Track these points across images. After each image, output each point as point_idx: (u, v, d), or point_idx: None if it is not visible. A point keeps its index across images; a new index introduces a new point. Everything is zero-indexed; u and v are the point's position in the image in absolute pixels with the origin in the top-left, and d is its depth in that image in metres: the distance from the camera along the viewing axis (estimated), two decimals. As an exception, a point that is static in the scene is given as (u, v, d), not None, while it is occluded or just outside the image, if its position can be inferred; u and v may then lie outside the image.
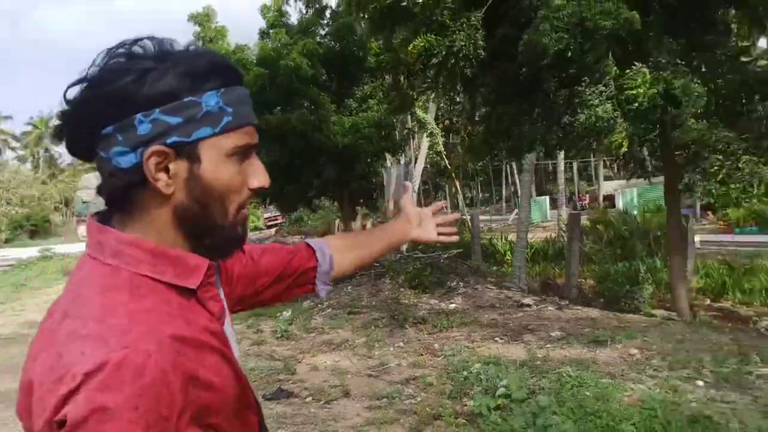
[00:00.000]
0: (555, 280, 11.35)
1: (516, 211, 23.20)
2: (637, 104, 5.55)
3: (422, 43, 6.24)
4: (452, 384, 4.61)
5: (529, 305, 7.49)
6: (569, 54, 5.49)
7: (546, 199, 35.49)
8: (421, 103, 18.02)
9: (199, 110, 0.73)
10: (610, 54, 5.75)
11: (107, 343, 0.64)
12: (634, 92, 5.40)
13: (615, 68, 5.84)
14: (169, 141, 0.72)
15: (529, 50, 5.71)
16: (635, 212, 19.42)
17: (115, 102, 0.71)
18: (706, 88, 5.55)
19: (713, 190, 5.21)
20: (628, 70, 5.67)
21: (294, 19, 13.47)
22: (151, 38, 0.76)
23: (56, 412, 0.62)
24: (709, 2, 6.33)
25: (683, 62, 6.11)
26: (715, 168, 5.24)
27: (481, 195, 57.40)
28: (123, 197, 0.76)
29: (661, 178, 7.50)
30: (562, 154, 21.00)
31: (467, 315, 6.99)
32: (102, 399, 0.61)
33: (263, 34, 13.09)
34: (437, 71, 6.86)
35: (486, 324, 6.58)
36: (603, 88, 5.69)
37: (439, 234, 1.30)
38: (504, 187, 50.98)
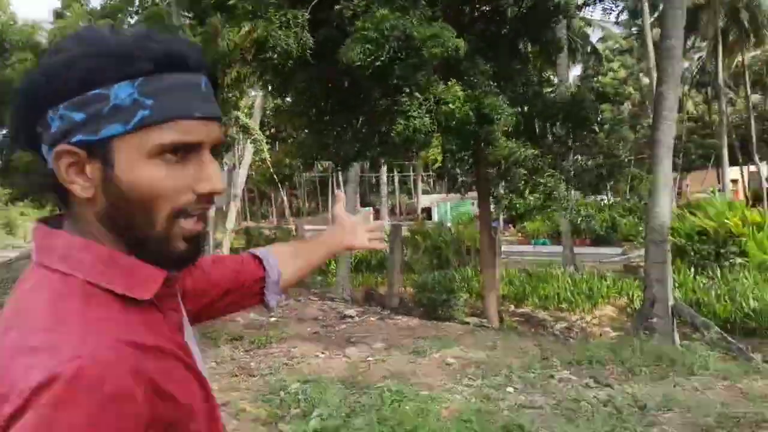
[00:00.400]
0: (377, 290, 11.50)
1: (341, 221, 23.53)
2: (454, 121, 5.75)
3: (263, 33, 5.79)
4: (267, 408, 4.21)
5: (352, 316, 7.38)
6: (377, 66, 5.50)
7: (370, 211, 36.59)
8: (247, 109, 17.31)
9: (105, 104, 0.63)
10: (432, 68, 5.88)
11: (59, 354, 0.56)
12: (451, 107, 5.56)
13: (439, 83, 5.99)
14: (74, 140, 0.64)
15: (347, 59, 5.63)
16: (449, 224, 20.80)
17: (33, 98, 0.65)
18: (514, 110, 5.93)
19: (518, 204, 5.58)
20: (444, 86, 5.85)
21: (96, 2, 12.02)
22: (94, 27, 0.68)
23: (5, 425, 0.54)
24: (510, 35, 6.86)
25: (495, 84, 6.48)
26: (522, 182, 5.61)
27: (307, 205, 57.47)
28: (61, 199, 0.69)
29: (473, 194, 7.95)
30: (385, 168, 21.74)
31: (288, 329, 6.63)
32: (54, 417, 0.53)
33: (58, 15, 11.46)
34: (264, 68, 6.46)
35: (307, 338, 6.28)
36: (423, 101, 5.79)
37: (370, 240, 1.28)
38: (330, 197, 51.50)
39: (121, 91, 0.63)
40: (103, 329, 0.60)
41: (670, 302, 6.65)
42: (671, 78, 7.70)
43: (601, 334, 8.55)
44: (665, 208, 7.62)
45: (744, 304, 8.34)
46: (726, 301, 8.58)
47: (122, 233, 0.67)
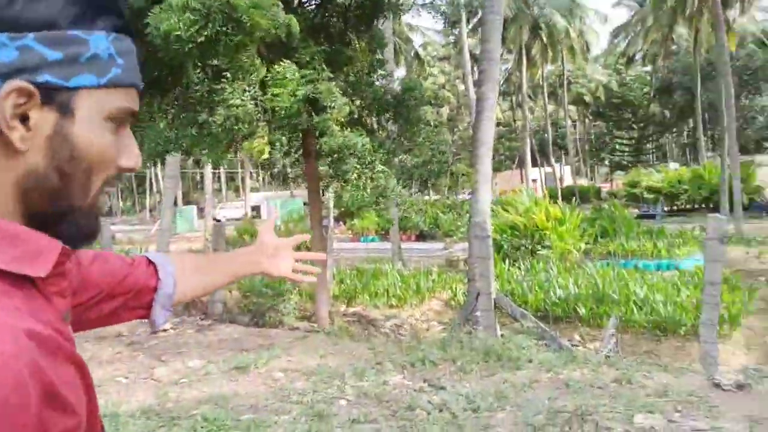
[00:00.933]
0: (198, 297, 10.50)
1: (160, 221, 21.50)
2: (284, 110, 5.26)
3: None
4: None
5: (165, 329, 6.50)
6: (199, 43, 4.80)
7: (193, 209, 34.37)
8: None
9: (85, 50, 0.56)
10: (257, 48, 5.32)
11: None
12: (278, 92, 5.06)
13: (264, 68, 5.43)
14: (39, 79, 0.54)
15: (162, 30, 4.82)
16: (279, 222, 20.14)
17: None
18: (347, 100, 5.61)
19: (354, 197, 5.27)
20: (276, 66, 5.32)
21: None
22: None
23: None
24: (339, 24, 6.56)
25: (329, 70, 6.12)
26: (355, 174, 5.32)
27: (122, 203, 52.47)
28: None
29: (302, 191, 7.52)
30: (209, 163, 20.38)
31: (82, 349, 5.58)
32: None
33: None
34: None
35: (107, 360, 5.33)
36: (247, 87, 5.21)
37: (295, 271, 1.13)
38: (149, 195, 47.52)
39: (100, 42, 0.58)
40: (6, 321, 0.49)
41: (493, 295, 6.89)
42: (490, 79, 8.04)
43: (428, 329, 8.69)
44: (486, 204, 7.93)
45: (552, 293, 9.07)
46: (537, 291, 9.26)
47: (46, 200, 0.57)
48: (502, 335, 6.32)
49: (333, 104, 5.32)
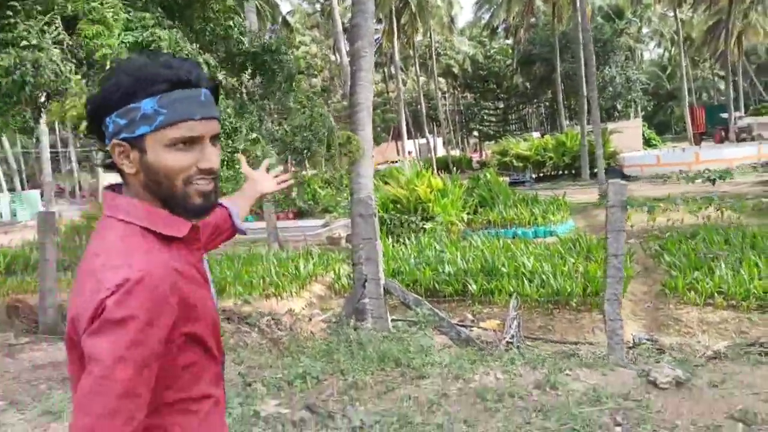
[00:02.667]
0: (27, 302, 8.65)
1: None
2: (107, 58, 3.91)
3: None
4: None
5: (-38, 358, 4.92)
6: None
7: (37, 193, 30.15)
8: None
9: (137, 113, 1.07)
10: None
11: (131, 268, 1.00)
12: (95, 33, 3.73)
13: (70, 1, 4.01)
14: (120, 137, 1.08)
15: None
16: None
17: (96, 110, 1.12)
18: (194, 50, 4.37)
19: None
20: (92, 2, 3.94)
21: None
22: (133, 58, 1.15)
23: (96, 311, 0.98)
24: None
25: (168, 16, 4.80)
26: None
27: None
28: (120, 174, 1.14)
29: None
30: (46, 138, 17.48)
31: None
32: (125, 300, 0.98)
33: None
34: None
35: None
36: (48, 24, 3.80)
37: (278, 183, 1.78)
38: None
39: (147, 105, 1.06)
40: (157, 256, 1.06)
41: (382, 281, 6.08)
42: (365, 34, 7.09)
43: (311, 319, 7.73)
44: (369, 179, 7.07)
45: (440, 270, 8.51)
46: (425, 269, 8.66)
47: (156, 195, 1.12)
48: (394, 327, 5.54)
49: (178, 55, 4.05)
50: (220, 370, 1.22)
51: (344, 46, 18.38)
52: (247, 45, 4.88)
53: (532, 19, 43.04)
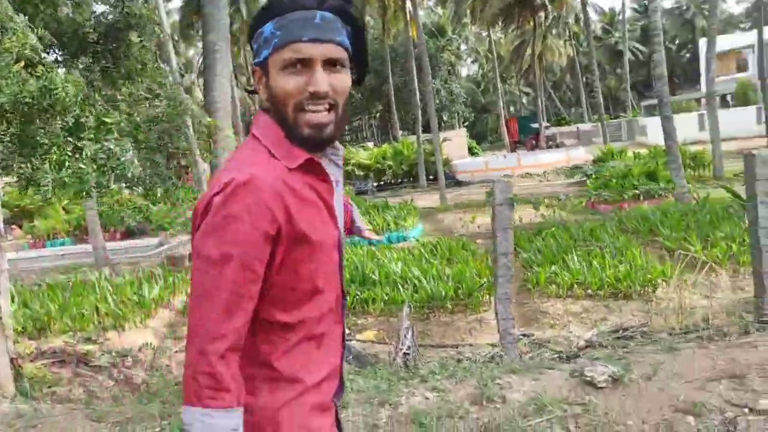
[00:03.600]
0: None
1: None
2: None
3: None
4: None
5: None
6: None
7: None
8: None
9: (261, 37, 1.14)
10: None
11: (241, 172, 1.07)
12: None
13: None
14: (255, 62, 1.18)
15: None
16: None
17: (248, 35, 1.23)
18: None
19: (56, 183, 3.10)
20: None
21: None
22: None
23: (206, 207, 1.08)
24: None
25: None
26: (55, 145, 3.16)
27: None
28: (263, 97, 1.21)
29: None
30: None
31: None
32: (228, 200, 1.05)
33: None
34: None
35: None
36: None
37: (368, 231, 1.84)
38: None
39: (267, 29, 1.13)
40: (272, 169, 1.11)
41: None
42: (219, 26, 6.37)
43: (165, 354, 6.69)
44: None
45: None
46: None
47: (278, 122, 1.16)
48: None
49: (6, 26, 3.08)
50: (333, 307, 1.22)
51: (165, 18, 16.44)
52: (85, 25, 3.91)
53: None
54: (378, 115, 56.14)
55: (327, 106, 1.11)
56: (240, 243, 1.03)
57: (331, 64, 1.11)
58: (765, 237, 4.54)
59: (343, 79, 1.13)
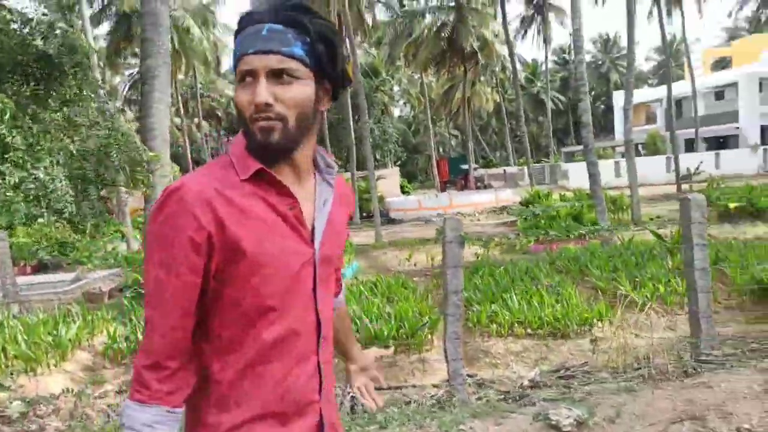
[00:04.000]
0: None
1: None
2: None
3: None
4: None
5: None
6: None
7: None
8: None
9: (232, 53, 1.17)
10: None
11: (178, 182, 1.10)
12: None
13: None
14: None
15: None
16: None
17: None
18: None
19: (6, 206, 2.73)
20: None
21: None
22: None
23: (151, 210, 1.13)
24: None
25: None
26: (16, 158, 2.80)
27: None
28: None
29: None
30: None
31: None
32: (158, 209, 1.09)
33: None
34: None
35: None
36: None
37: (359, 387, 1.55)
38: None
39: (235, 44, 1.15)
40: (208, 178, 1.11)
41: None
42: (160, 51, 6.10)
43: (77, 396, 6.08)
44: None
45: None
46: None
47: (243, 133, 1.18)
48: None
49: None
50: (301, 332, 1.17)
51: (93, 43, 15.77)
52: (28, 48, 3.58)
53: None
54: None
55: (273, 116, 1.10)
56: (166, 248, 1.07)
57: (275, 75, 1.10)
58: (700, 278, 4.74)
59: (291, 90, 1.11)
